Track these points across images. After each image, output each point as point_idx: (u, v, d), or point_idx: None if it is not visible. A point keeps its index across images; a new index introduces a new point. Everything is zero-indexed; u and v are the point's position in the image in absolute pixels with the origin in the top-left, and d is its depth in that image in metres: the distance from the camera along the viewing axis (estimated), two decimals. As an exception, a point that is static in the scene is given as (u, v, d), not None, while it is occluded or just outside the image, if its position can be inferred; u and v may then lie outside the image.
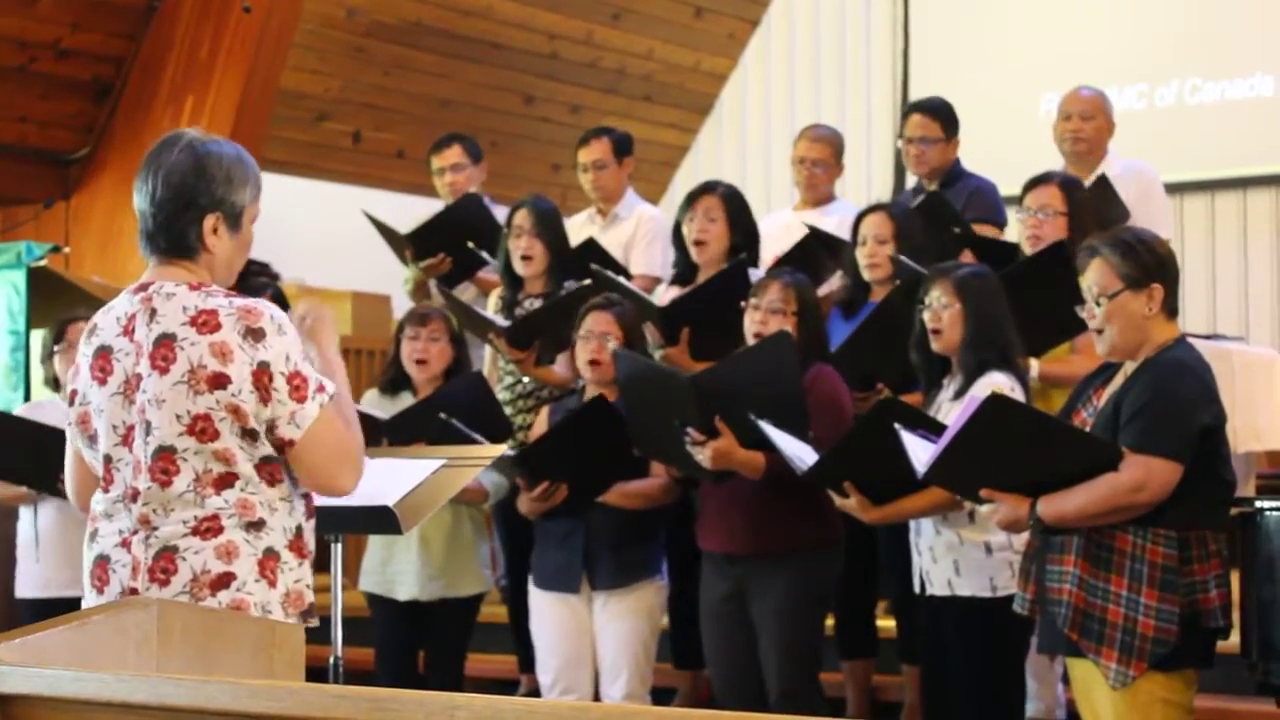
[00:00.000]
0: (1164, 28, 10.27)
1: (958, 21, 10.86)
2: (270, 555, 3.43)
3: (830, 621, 6.06)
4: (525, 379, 6.36)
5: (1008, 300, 5.11)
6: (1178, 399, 4.29)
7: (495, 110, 10.55)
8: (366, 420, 5.63)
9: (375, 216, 7.14)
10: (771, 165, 11.03)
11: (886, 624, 6.25)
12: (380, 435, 5.63)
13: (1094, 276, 4.42)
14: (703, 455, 5.22)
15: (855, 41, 11.29)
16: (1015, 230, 7.13)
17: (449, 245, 6.92)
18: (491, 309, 6.60)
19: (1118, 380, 4.45)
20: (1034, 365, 5.46)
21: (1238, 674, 4.81)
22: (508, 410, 6.24)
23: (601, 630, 5.65)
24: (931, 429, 4.69)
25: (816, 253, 6.37)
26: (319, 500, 3.58)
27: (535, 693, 6.11)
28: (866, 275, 6.01)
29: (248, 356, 3.38)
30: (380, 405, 6.01)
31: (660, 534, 5.78)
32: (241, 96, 8.96)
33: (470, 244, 6.84)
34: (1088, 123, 6.81)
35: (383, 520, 4.10)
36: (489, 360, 6.74)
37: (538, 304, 6.37)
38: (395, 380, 6.10)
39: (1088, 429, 4.42)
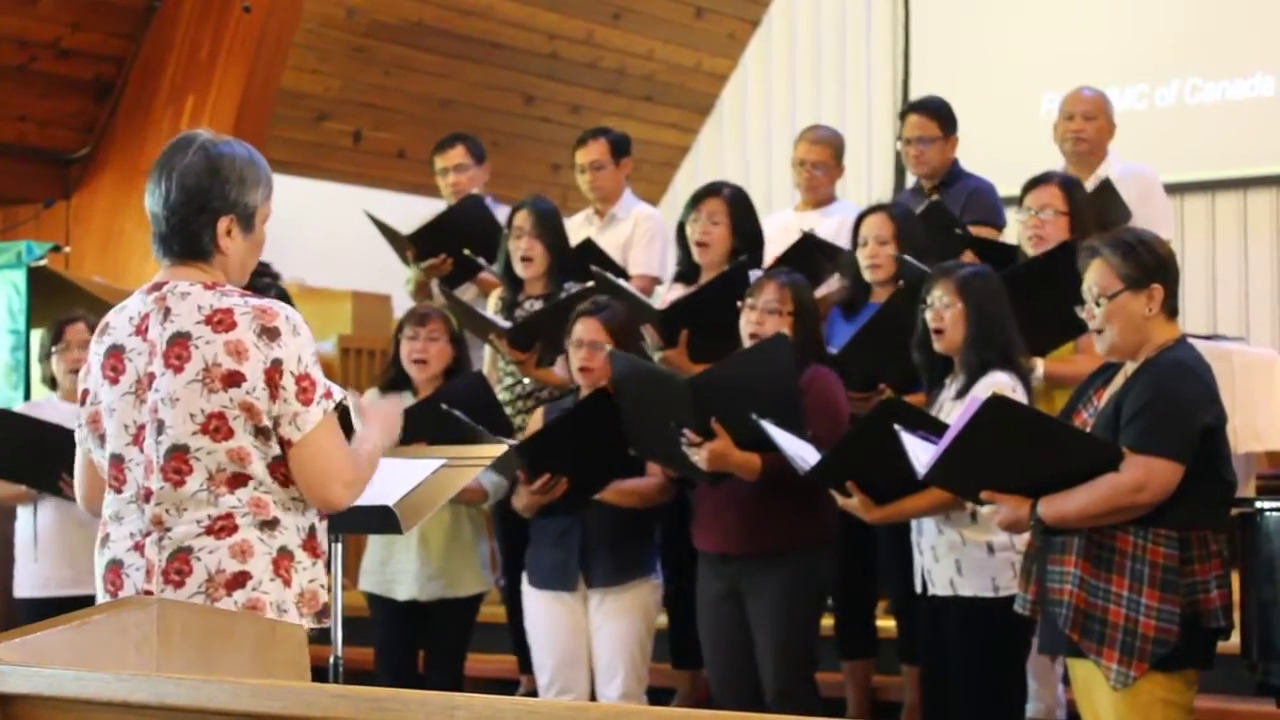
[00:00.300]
0: (1164, 28, 10.27)
1: (958, 22, 10.86)
2: (284, 554, 3.42)
3: (830, 621, 6.06)
4: (525, 380, 6.36)
5: (1013, 300, 5.11)
6: (1178, 399, 4.29)
7: (495, 110, 10.55)
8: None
9: (377, 217, 7.14)
10: (772, 166, 11.02)
11: (887, 624, 6.25)
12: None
13: (1094, 277, 4.42)
14: (699, 457, 5.22)
15: (856, 42, 11.29)
16: (1014, 231, 7.14)
17: (450, 246, 6.92)
18: (491, 310, 6.60)
19: (1118, 381, 4.45)
20: (1039, 365, 5.46)
21: (1238, 674, 4.81)
22: (507, 410, 6.24)
23: (598, 629, 5.65)
24: (934, 429, 4.69)
25: (812, 255, 6.36)
26: None
27: (535, 693, 6.11)
28: (867, 276, 6.01)
29: (262, 355, 3.39)
30: (380, 405, 6.01)
31: (655, 533, 5.78)
32: (242, 96, 8.97)
33: (467, 251, 6.83)
34: (1089, 123, 6.81)
35: (383, 520, 4.10)
36: (489, 360, 6.74)
37: (538, 305, 6.36)
38: (395, 380, 6.10)
39: (1088, 429, 4.42)
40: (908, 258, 5.79)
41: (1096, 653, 4.28)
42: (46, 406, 6.29)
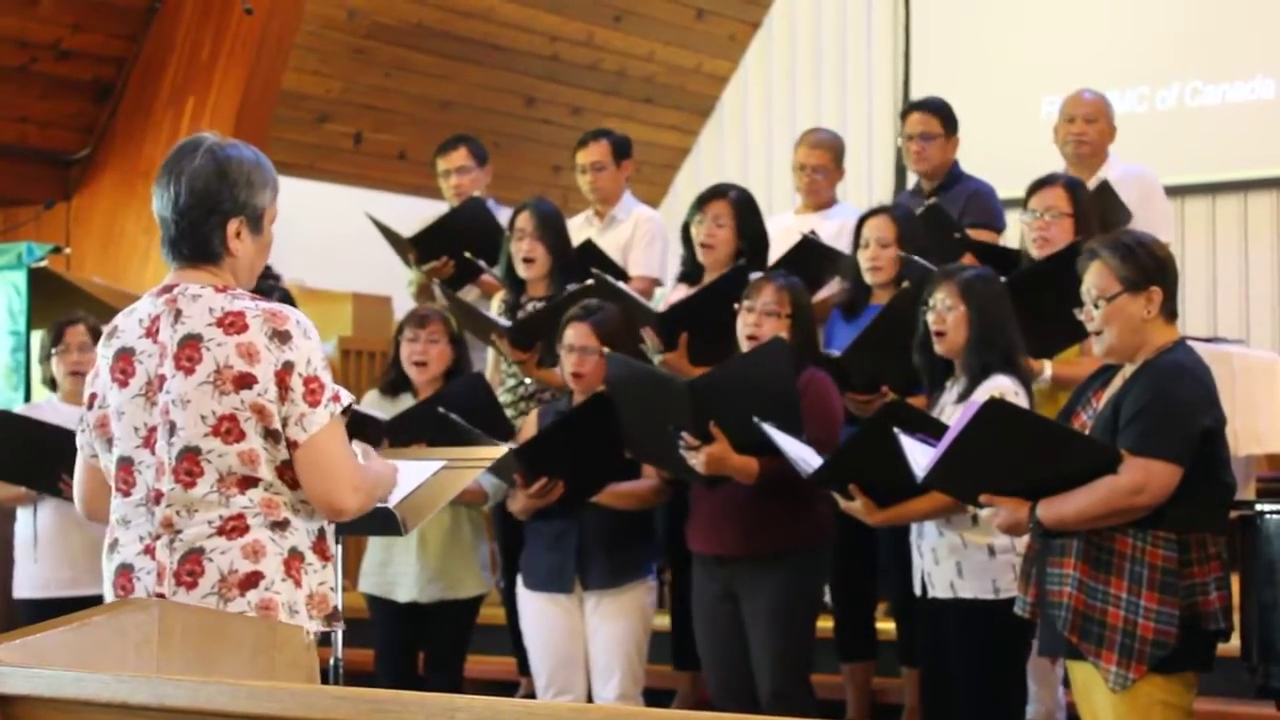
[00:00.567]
0: (1164, 31, 10.27)
1: (959, 24, 10.86)
2: (295, 555, 3.43)
3: (830, 623, 6.06)
4: (528, 380, 6.36)
5: (1020, 302, 5.11)
6: (1177, 401, 4.29)
7: (496, 112, 10.55)
8: (369, 422, 5.66)
9: (379, 220, 7.14)
10: (773, 167, 11.02)
11: (886, 626, 6.25)
12: (381, 436, 5.63)
13: (1093, 279, 4.42)
14: (697, 460, 5.21)
15: (856, 44, 11.29)
16: (1014, 233, 7.14)
17: (452, 249, 6.93)
18: (495, 311, 6.61)
19: (1116, 382, 4.45)
20: (1047, 367, 5.46)
21: (1238, 677, 4.81)
22: (510, 412, 6.24)
23: (594, 631, 5.66)
24: (936, 432, 4.68)
25: (813, 257, 6.36)
26: None
27: (535, 695, 6.11)
28: (869, 278, 6.01)
29: (273, 357, 3.39)
30: (380, 407, 6.01)
31: (651, 534, 5.78)
32: (242, 98, 8.97)
33: (467, 254, 6.84)
34: (1090, 125, 6.81)
35: (383, 521, 4.10)
36: (491, 362, 6.74)
37: (540, 306, 6.36)
38: (395, 382, 6.11)
39: (1087, 431, 4.41)
40: (916, 258, 5.79)
41: (1095, 655, 4.28)
42: (47, 408, 6.29)
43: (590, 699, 5.69)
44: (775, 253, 6.35)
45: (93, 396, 3.55)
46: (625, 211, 7.14)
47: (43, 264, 7.64)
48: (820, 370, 5.49)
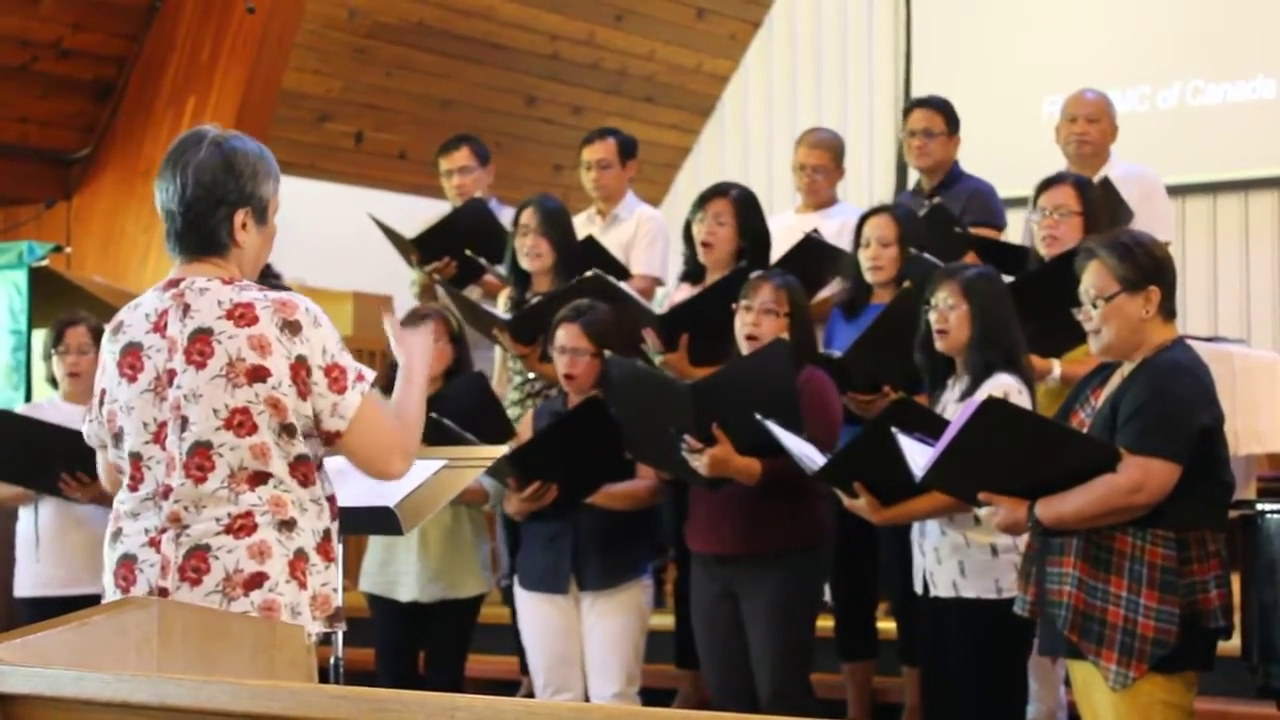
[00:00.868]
0: (1166, 30, 10.27)
1: (960, 23, 10.86)
2: (300, 556, 3.43)
3: (830, 623, 6.06)
4: (530, 375, 6.35)
5: (1029, 301, 5.11)
6: (1175, 400, 4.29)
7: (497, 111, 10.55)
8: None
9: (381, 221, 7.15)
10: (773, 167, 11.02)
11: (887, 625, 6.24)
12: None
13: (1091, 278, 4.42)
14: (700, 462, 5.21)
15: (857, 43, 11.29)
16: (1014, 232, 7.14)
17: (454, 249, 6.93)
18: (502, 309, 6.62)
19: (1114, 381, 4.44)
20: (1055, 366, 5.46)
21: (1238, 676, 4.81)
22: (519, 410, 6.25)
23: (590, 630, 5.66)
24: (942, 431, 4.67)
25: (816, 255, 6.36)
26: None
27: (535, 694, 6.11)
28: (869, 277, 6.01)
29: (285, 350, 3.40)
30: (382, 406, 6.00)
31: (647, 533, 5.78)
32: (243, 97, 8.97)
33: (469, 251, 6.84)
34: (1092, 125, 6.81)
35: (384, 521, 4.10)
36: (499, 361, 6.74)
37: (539, 299, 6.37)
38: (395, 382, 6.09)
39: (1085, 430, 4.41)
40: (926, 255, 5.79)
41: (1095, 654, 4.28)
42: (48, 408, 6.30)
43: (588, 698, 5.69)
44: (776, 252, 6.34)
45: (102, 392, 3.55)
46: (628, 210, 7.14)
47: (43, 263, 7.64)
48: (818, 369, 5.49)
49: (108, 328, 3.59)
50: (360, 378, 3.49)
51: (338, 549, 3.56)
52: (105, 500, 3.57)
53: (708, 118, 11.76)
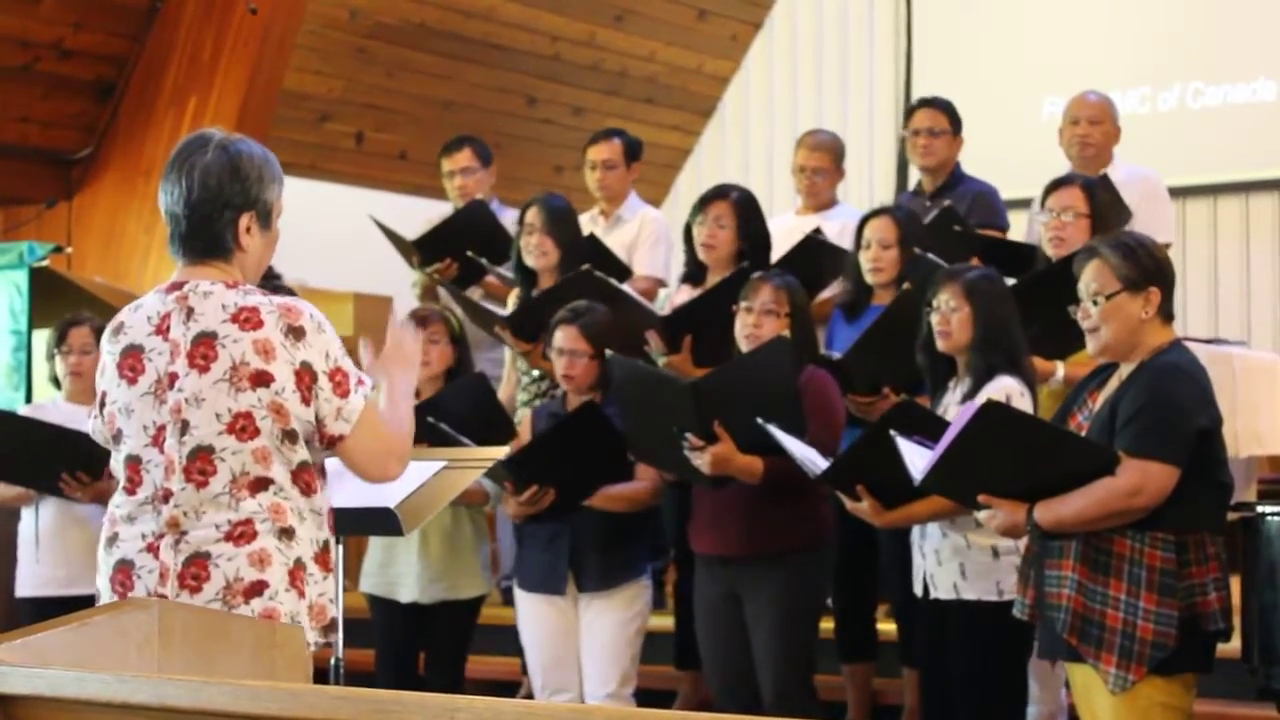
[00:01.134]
0: (1166, 32, 10.27)
1: (960, 25, 10.86)
2: (299, 566, 3.43)
3: (830, 624, 6.06)
4: (541, 377, 6.35)
5: (1034, 303, 5.10)
6: (1173, 402, 4.28)
7: (497, 112, 10.55)
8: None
9: (382, 222, 7.15)
10: (774, 168, 11.02)
11: (887, 627, 6.24)
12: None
13: (1092, 276, 4.42)
14: (702, 461, 5.21)
15: (858, 44, 11.29)
16: (1018, 234, 7.13)
17: (455, 250, 6.94)
18: (511, 309, 6.62)
19: (1113, 383, 4.44)
20: (1059, 368, 5.46)
21: (1238, 679, 4.81)
22: (529, 411, 6.26)
23: (585, 630, 5.66)
24: (944, 433, 4.67)
25: (817, 255, 6.37)
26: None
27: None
28: (870, 279, 6.02)
29: (289, 355, 3.40)
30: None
31: (646, 534, 5.78)
32: (244, 97, 8.97)
33: (470, 253, 6.84)
34: (1095, 127, 6.81)
35: (384, 522, 4.11)
36: (509, 361, 6.73)
37: (537, 295, 6.38)
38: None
39: (1083, 433, 4.41)
40: (930, 255, 5.79)
41: (1095, 657, 4.28)
42: (51, 409, 6.30)
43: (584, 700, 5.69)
44: (776, 254, 6.35)
45: (103, 394, 3.54)
46: (631, 211, 7.15)
47: (44, 263, 7.64)
48: (820, 369, 5.49)
49: (108, 328, 3.58)
50: (360, 382, 3.50)
51: (335, 560, 3.55)
52: (106, 500, 3.56)
53: (708, 119, 11.76)
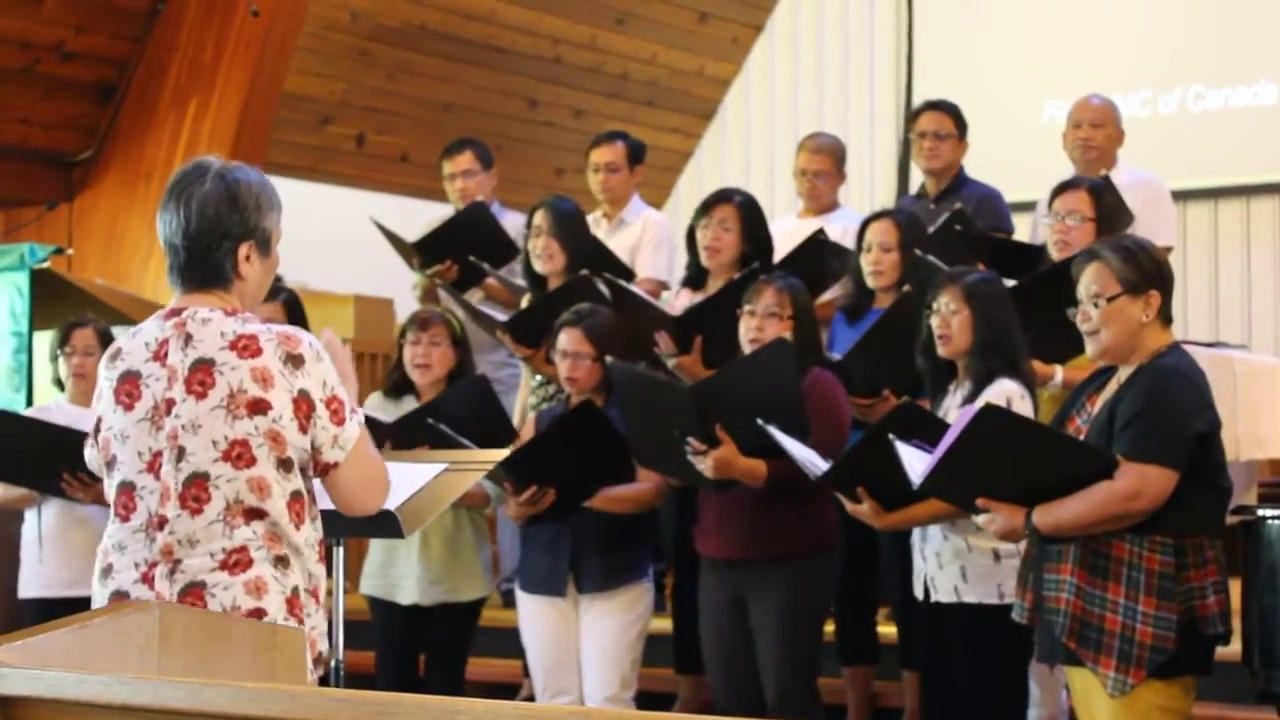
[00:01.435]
0: (1167, 35, 10.28)
1: (961, 28, 10.87)
2: (296, 595, 3.41)
3: (831, 627, 6.06)
4: (548, 381, 6.35)
5: (1033, 306, 5.10)
6: (1172, 406, 4.28)
7: (499, 114, 10.56)
8: (371, 425, 5.65)
9: (382, 224, 7.15)
10: (775, 171, 11.03)
11: (888, 629, 6.24)
12: (383, 439, 5.62)
13: (1092, 278, 4.41)
14: (704, 465, 5.21)
15: (859, 47, 11.30)
16: (1020, 237, 7.13)
17: (455, 252, 6.94)
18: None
19: (1111, 387, 4.44)
20: (1058, 372, 5.46)
21: (1238, 681, 4.81)
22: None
23: (586, 632, 5.66)
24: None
25: (820, 256, 6.37)
26: (321, 503, 3.58)
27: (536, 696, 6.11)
28: (871, 282, 6.02)
29: (288, 384, 3.38)
30: (384, 409, 6.01)
31: (647, 536, 5.78)
32: (245, 99, 8.97)
33: (472, 258, 6.85)
34: (1098, 130, 6.82)
35: (385, 524, 4.10)
36: (526, 368, 6.71)
37: (535, 300, 6.38)
38: (399, 384, 6.11)
39: (1082, 436, 4.41)
40: (931, 257, 5.79)
41: (1094, 661, 4.28)
42: (55, 410, 6.30)
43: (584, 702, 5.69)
44: (778, 257, 6.34)
45: (98, 419, 3.52)
46: (634, 214, 7.15)
47: (45, 265, 7.64)
48: (825, 371, 5.49)
49: (105, 354, 3.55)
50: (354, 410, 3.49)
51: (323, 591, 3.54)
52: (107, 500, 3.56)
53: (709, 122, 11.77)
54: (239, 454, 3.36)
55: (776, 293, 5.46)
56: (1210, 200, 10.07)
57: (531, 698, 6.28)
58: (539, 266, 6.47)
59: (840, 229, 6.75)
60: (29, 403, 7.32)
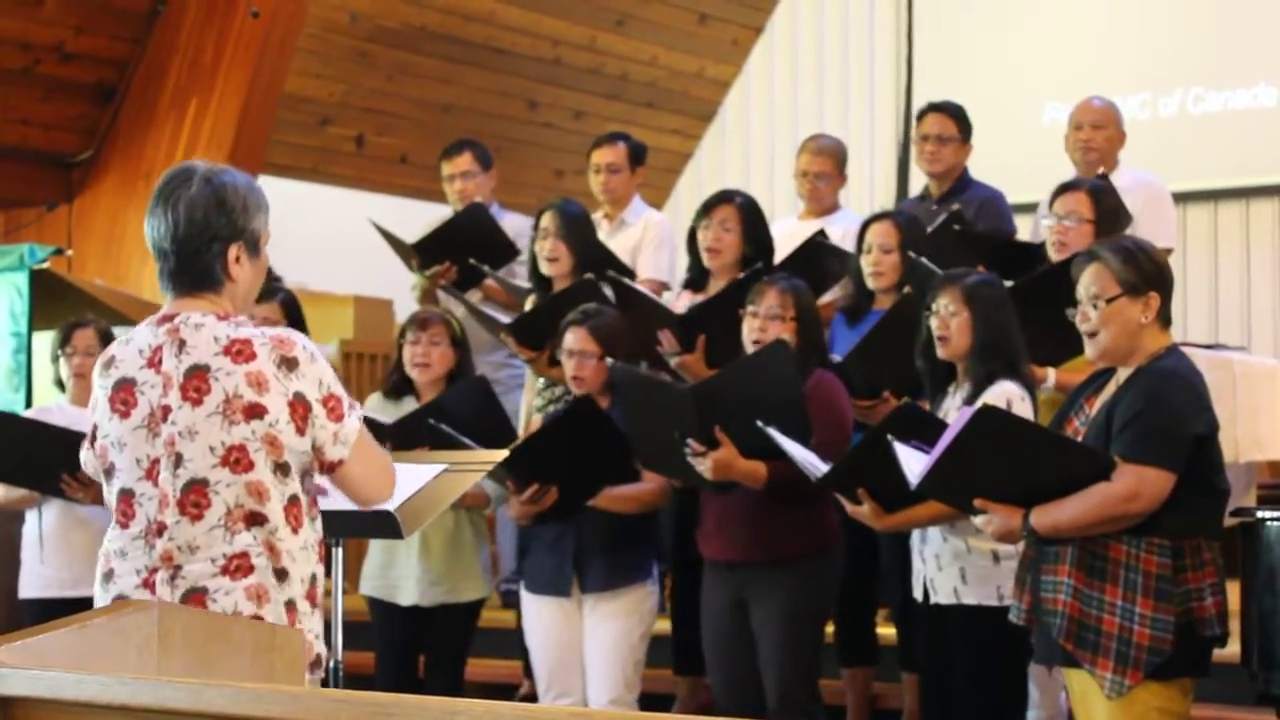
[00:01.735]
0: (1167, 38, 10.28)
1: (961, 30, 10.87)
2: (291, 607, 3.42)
3: (830, 628, 6.06)
4: (552, 384, 6.35)
5: (1029, 307, 5.10)
6: (1170, 408, 4.28)
7: (498, 116, 10.56)
8: (371, 426, 5.65)
9: (381, 226, 7.15)
10: (775, 173, 11.03)
11: (887, 631, 6.25)
12: (383, 440, 5.62)
13: (1092, 279, 4.41)
14: (703, 466, 5.21)
15: (859, 49, 11.30)
16: (1024, 238, 7.13)
17: (454, 253, 6.94)
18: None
19: (1110, 389, 4.44)
20: (1050, 375, 5.45)
21: (1237, 683, 4.81)
22: (543, 415, 6.26)
23: (590, 633, 5.66)
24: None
25: (820, 257, 6.37)
26: (323, 503, 3.58)
27: (535, 697, 6.11)
28: (871, 284, 6.02)
29: (283, 387, 3.39)
30: (384, 410, 6.01)
31: (651, 537, 5.78)
32: (245, 101, 8.97)
33: (472, 260, 6.85)
34: (1098, 132, 6.82)
35: (384, 524, 4.10)
36: (530, 368, 6.71)
37: (539, 302, 6.37)
38: (398, 385, 6.11)
39: (1080, 438, 4.41)
40: (924, 260, 5.79)
41: (1091, 662, 4.27)
42: (56, 411, 6.30)
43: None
44: (778, 258, 6.34)
45: (94, 427, 3.53)
46: (635, 215, 7.16)
47: (44, 266, 7.65)
48: (827, 372, 5.48)
49: (99, 362, 3.56)
50: (352, 406, 3.49)
51: (321, 590, 3.54)
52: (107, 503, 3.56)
53: (709, 123, 11.77)
54: (237, 459, 3.37)
55: (779, 294, 5.46)
56: (1210, 202, 10.08)
57: (530, 698, 6.29)
58: (545, 269, 6.47)
59: (841, 231, 6.76)
60: (28, 403, 7.32)
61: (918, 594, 5.19)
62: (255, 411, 3.37)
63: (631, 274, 6.67)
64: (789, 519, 5.32)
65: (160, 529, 3.38)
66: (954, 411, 4.98)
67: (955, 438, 4.31)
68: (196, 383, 3.38)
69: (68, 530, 6.15)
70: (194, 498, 3.37)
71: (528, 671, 6.32)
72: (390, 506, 4.05)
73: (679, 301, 6.46)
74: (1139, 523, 4.26)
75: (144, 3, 9.19)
